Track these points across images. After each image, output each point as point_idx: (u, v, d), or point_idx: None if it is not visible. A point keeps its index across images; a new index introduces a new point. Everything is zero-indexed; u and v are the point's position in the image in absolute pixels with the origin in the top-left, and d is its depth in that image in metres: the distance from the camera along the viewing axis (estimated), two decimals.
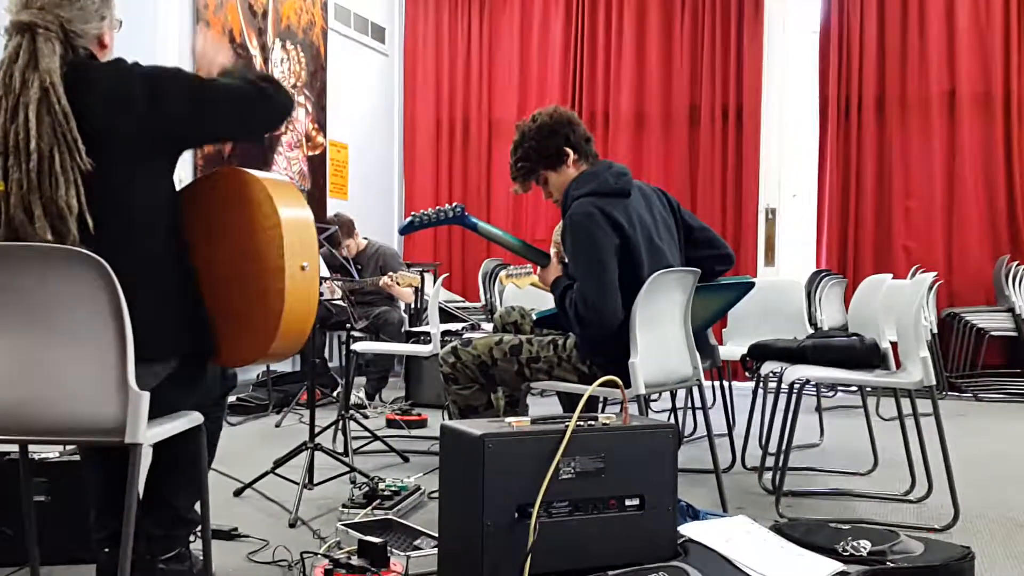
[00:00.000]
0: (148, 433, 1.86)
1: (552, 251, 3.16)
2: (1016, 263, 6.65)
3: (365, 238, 6.24)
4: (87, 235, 1.90)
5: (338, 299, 5.88)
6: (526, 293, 4.04)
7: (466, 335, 3.75)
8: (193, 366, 2.12)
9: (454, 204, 3.27)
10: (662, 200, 3.25)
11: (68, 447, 2.62)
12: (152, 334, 1.90)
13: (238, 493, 3.39)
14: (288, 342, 2.12)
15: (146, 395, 1.83)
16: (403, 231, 3.37)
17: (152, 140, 2.01)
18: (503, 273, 3.56)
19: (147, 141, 2.00)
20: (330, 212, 6.87)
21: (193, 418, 2.12)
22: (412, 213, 3.27)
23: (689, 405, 4.68)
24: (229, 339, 2.12)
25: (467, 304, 7.07)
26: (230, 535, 2.85)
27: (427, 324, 4.86)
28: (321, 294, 5.57)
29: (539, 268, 3.21)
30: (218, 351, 2.14)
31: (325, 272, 3.77)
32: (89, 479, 2.31)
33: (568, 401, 3.38)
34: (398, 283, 5.22)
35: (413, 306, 6.58)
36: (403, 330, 5.90)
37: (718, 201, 7.53)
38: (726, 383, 4.61)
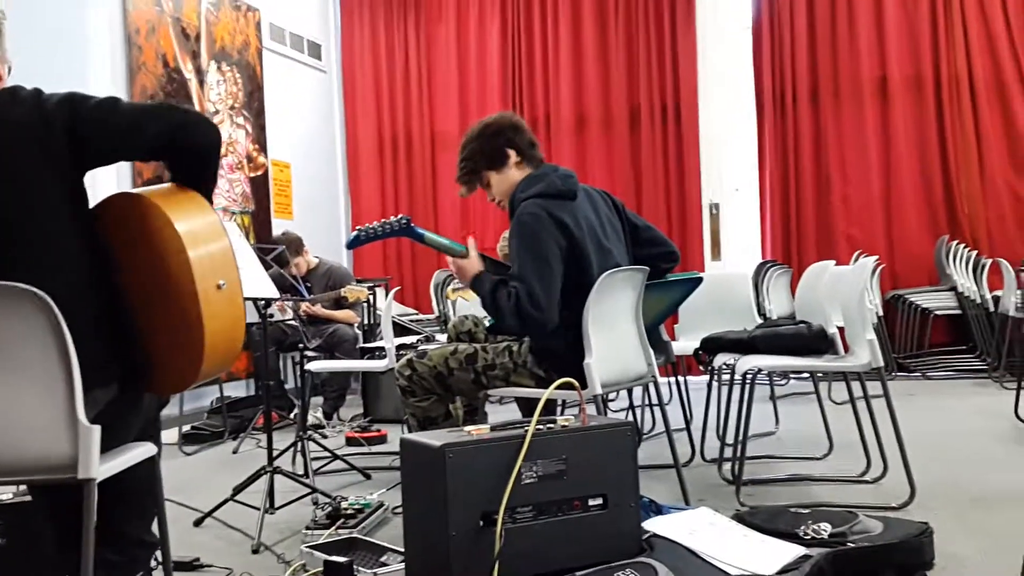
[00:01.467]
0: (101, 468, 1.83)
1: (500, 256, 3.16)
2: (956, 242, 6.80)
3: (316, 257, 6.20)
4: (9, 274, 1.83)
5: (290, 319, 5.84)
6: (479, 302, 4.03)
7: (421, 347, 3.73)
8: (132, 391, 2.09)
9: (400, 216, 3.26)
10: (607, 202, 3.28)
11: (21, 487, 2.56)
12: (87, 361, 1.83)
13: (198, 523, 3.34)
14: (219, 360, 2.07)
15: (97, 429, 1.79)
16: (350, 245, 3.35)
17: (65, 163, 1.95)
18: (448, 288, 3.55)
19: (59, 165, 1.94)
20: (276, 232, 6.81)
21: (146, 449, 2.08)
22: (358, 227, 3.25)
23: (646, 402, 4.71)
24: (158, 368, 2.08)
25: (420, 316, 7.05)
26: (192, 566, 2.81)
27: (381, 339, 4.83)
28: (272, 315, 5.54)
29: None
30: (150, 381, 2.11)
31: (275, 293, 3.72)
32: (43, 518, 2.25)
33: (526, 406, 3.39)
34: (347, 297, 5.19)
35: (365, 321, 6.55)
36: (357, 346, 5.87)
37: (662, 199, 7.60)
38: (681, 378, 4.66)
